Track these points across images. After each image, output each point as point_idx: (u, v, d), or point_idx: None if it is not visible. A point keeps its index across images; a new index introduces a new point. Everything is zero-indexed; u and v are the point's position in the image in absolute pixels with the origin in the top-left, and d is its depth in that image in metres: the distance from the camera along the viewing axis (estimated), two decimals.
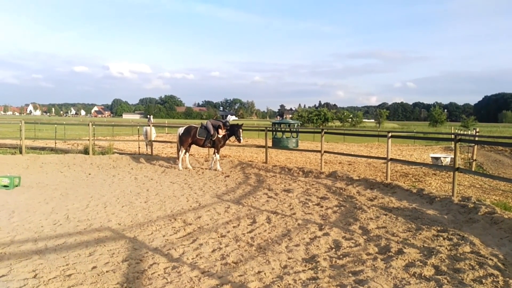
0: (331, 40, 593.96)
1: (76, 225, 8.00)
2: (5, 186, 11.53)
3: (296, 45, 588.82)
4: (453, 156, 12.38)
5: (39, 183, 12.70)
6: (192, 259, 6.17)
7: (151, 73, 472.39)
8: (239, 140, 16.43)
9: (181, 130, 16.84)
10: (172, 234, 7.49)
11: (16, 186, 11.86)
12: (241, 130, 16.48)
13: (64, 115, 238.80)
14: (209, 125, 16.31)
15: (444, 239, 7.13)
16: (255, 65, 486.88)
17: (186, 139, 16.43)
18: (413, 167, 17.48)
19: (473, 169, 16.76)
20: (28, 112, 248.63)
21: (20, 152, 18.92)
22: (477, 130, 22.91)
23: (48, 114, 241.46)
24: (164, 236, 7.34)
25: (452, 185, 10.85)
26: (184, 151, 16.65)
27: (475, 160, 18.61)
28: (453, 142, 12.14)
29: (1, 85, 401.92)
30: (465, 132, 35.89)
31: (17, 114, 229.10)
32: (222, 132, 16.22)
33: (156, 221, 8.41)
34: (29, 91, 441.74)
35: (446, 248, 6.58)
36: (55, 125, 26.09)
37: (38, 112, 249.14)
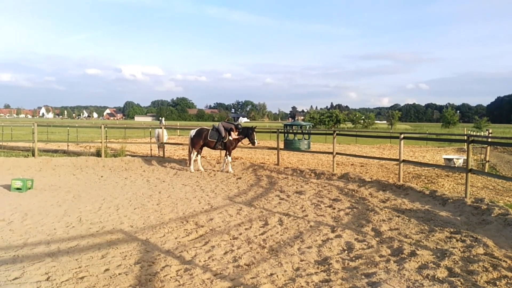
0: (342, 41, 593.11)
1: (88, 228, 8.05)
2: (18, 188, 11.62)
3: (307, 47, 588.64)
4: (465, 158, 12.28)
5: (52, 186, 12.81)
6: (204, 261, 6.18)
7: (163, 75, 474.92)
8: (253, 143, 16.43)
9: (192, 133, 16.89)
10: (184, 236, 7.51)
11: (29, 188, 11.95)
12: (255, 133, 16.48)
13: (77, 117, 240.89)
14: (221, 127, 16.35)
15: (457, 240, 7.07)
16: (267, 67, 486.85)
17: (198, 141, 16.48)
18: (426, 168, 17.37)
19: (486, 171, 16.61)
20: (40, 114, 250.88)
21: (33, 155, 19.10)
22: (490, 131, 22.74)
23: (61, 116, 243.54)
24: (176, 238, 7.36)
25: (465, 186, 10.76)
26: (195, 153, 16.69)
27: (488, 161, 18.44)
28: (465, 143, 12.03)
29: (14, 88, 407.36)
30: (478, 133, 35.59)
31: (29, 116, 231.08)
32: (234, 135, 16.23)
33: (168, 223, 8.44)
34: (42, 93, 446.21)
35: (459, 250, 6.52)
36: (68, 128, 26.23)
37: (50, 115, 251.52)
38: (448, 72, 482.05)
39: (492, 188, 13.30)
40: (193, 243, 7.06)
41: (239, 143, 17.04)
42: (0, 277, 5.47)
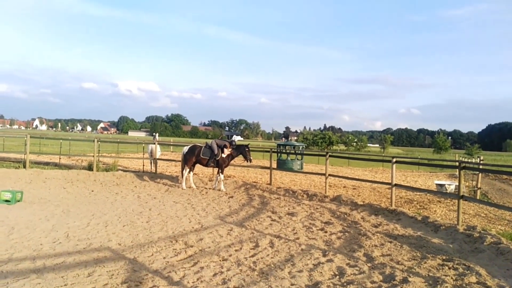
0: (337, 64, 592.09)
1: (75, 244, 7.87)
2: (6, 201, 11.42)
3: (302, 69, 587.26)
4: (457, 184, 12.25)
5: (41, 199, 12.61)
6: (193, 282, 6.03)
7: (159, 91, 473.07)
8: (249, 160, 16.38)
9: (185, 149, 16.81)
10: (173, 256, 7.35)
11: (18, 201, 11.75)
12: (248, 150, 16.48)
13: (70, 130, 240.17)
14: (214, 144, 16.28)
15: (449, 268, 6.98)
16: (262, 87, 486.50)
17: (190, 158, 16.38)
18: (418, 193, 17.32)
19: (477, 197, 16.59)
20: (34, 126, 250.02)
21: (24, 167, 18.91)
22: (481, 158, 22.80)
23: (54, 129, 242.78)
24: (164, 258, 7.20)
25: (457, 213, 10.71)
26: (188, 170, 16.57)
27: (480, 188, 18.45)
28: (457, 170, 12.02)
29: (9, 98, 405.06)
30: (469, 160, 35.71)
31: (23, 128, 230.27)
32: (227, 152, 16.16)
33: (157, 242, 8.28)
34: (37, 105, 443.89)
35: (451, 278, 6.43)
36: (60, 140, 26.09)
37: (44, 127, 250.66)
38: (440, 98, 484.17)
39: (484, 215, 13.26)
40: (181, 264, 6.91)
41: (232, 161, 16.96)
42: None
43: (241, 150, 16.43)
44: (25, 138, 20.04)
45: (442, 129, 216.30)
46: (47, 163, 22.17)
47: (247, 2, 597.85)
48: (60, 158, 23.82)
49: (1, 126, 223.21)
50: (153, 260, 7.04)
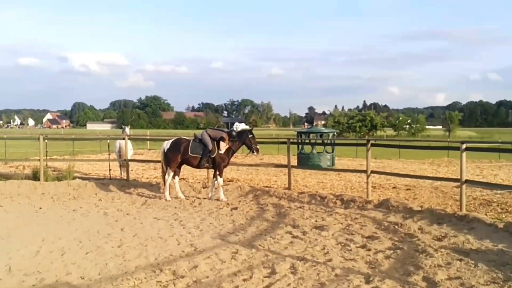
0: (380, 15, 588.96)
1: (21, 280, 8.02)
2: None
3: (331, 23, 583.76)
4: None
5: None
6: None
7: (127, 65, 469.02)
8: (256, 150, 16.38)
9: (166, 145, 16.79)
10: None
11: None
12: (252, 136, 16.51)
13: (5, 126, 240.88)
14: (206, 137, 16.19)
15: None
16: (273, 52, 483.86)
17: (174, 157, 16.37)
18: (499, 192, 17.32)
19: None
20: None
21: None
22: None
23: None
24: None
25: None
26: (172, 173, 16.58)
27: None
28: None
29: None
30: None
31: None
32: (224, 146, 16.20)
33: (134, 273, 8.42)
34: None
35: None
36: None
37: None
38: None
39: None
40: None
41: (233, 157, 16.96)
42: None
43: (243, 139, 16.36)
44: None
45: None
46: None
47: None
48: None
49: None
50: None
